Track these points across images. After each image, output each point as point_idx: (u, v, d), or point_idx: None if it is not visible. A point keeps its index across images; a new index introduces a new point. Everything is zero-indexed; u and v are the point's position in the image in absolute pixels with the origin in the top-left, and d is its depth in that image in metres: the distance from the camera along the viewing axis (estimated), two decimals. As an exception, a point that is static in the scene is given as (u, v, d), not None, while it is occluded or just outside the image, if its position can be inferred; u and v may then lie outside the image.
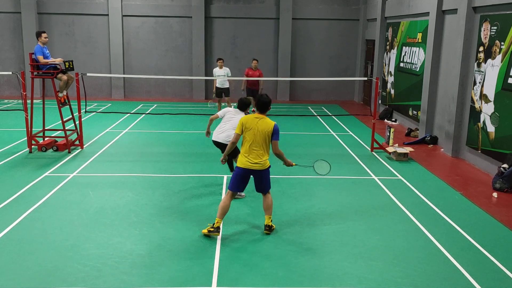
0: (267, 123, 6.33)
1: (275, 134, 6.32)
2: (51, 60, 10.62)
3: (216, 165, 9.91)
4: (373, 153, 11.21)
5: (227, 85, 15.30)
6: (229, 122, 8.15)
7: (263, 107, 6.42)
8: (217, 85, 15.29)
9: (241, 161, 6.38)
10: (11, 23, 19.63)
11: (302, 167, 7.26)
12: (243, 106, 8.25)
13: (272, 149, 6.40)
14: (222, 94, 15.33)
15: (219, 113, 8.42)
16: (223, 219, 6.50)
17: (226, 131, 8.09)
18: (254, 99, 15.09)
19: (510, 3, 9.01)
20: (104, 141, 11.91)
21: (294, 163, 6.65)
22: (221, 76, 15.00)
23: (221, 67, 15.11)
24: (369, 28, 19.21)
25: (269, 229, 6.57)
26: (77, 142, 11.18)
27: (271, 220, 6.66)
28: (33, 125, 11.17)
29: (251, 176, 6.47)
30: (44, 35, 10.57)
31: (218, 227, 6.40)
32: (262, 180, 6.46)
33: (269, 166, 6.49)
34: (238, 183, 6.47)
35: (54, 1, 19.51)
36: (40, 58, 10.41)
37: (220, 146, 8.19)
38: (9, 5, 19.43)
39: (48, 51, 10.71)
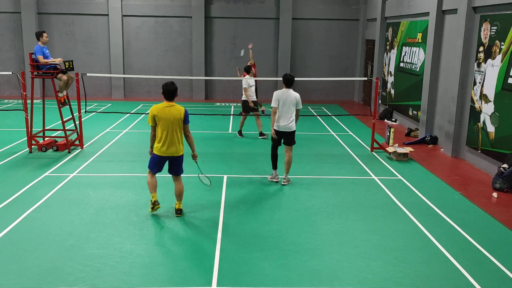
0: (178, 109, 6.81)
1: (186, 118, 6.85)
2: (51, 60, 10.62)
3: (216, 165, 9.92)
4: (373, 153, 11.21)
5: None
6: (285, 105, 8.47)
7: (171, 94, 6.78)
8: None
9: (157, 149, 6.86)
10: (11, 23, 19.63)
11: (199, 171, 7.84)
12: (288, 83, 8.66)
13: (184, 132, 6.95)
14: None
15: (273, 104, 8.53)
16: (156, 192, 7.12)
17: (292, 117, 8.55)
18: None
19: (510, 3, 9.01)
20: (104, 141, 11.91)
21: (196, 160, 7.27)
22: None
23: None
24: (369, 28, 19.21)
25: (180, 212, 7.14)
26: (77, 142, 11.19)
27: (181, 204, 7.23)
28: (33, 125, 11.17)
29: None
30: (44, 35, 10.57)
31: (156, 201, 7.04)
32: (176, 164, 7.02)
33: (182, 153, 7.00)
34: (155, 166, 7.04)
35: (54, 1, 19.51)
36: (40, 58, 10.41)
37: (288, 134, 8.64)
38: (9, 5, 19.44)
39: (48, 51, 10.71)
